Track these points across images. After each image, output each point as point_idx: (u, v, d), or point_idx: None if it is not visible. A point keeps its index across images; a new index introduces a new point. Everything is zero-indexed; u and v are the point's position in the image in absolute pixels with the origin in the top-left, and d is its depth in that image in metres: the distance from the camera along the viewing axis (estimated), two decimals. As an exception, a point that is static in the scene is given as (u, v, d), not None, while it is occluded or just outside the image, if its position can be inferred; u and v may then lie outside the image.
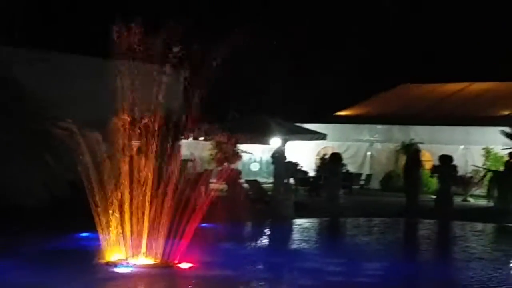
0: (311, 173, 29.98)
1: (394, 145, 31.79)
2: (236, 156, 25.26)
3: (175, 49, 11.18)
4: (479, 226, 19.69)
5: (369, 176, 31.52)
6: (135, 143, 11.53)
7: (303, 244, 15.57)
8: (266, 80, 36.12)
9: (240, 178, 21.60)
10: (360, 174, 31.23)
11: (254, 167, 33.31)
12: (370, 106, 37.45)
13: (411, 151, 24.49)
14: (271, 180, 23.61)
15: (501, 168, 25.27)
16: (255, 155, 32.18)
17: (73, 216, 13.06)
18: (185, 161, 14.27)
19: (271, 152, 23.92)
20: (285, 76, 38.31)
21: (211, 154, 26.42)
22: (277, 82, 37.22)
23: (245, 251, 13.86)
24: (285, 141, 27.18)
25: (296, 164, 27.29)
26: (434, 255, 15.23)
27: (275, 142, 27.84)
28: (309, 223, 19.26)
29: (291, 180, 23.53)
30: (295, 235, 17.08)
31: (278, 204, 19.99)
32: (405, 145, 25.73)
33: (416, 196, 22.10)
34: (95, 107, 11.45)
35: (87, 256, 11.64)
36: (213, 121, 24.48)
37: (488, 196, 24.90)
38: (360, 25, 46.71)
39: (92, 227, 11.65)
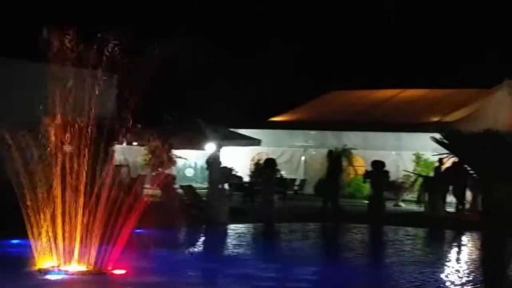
0: (246, 179, 30.04)
1: (327, 151, 32.08)
2: (171, 161, 25.09)
3: (109, 54, 11.08)
4: (410, 230, 20.02)
5: (303, 181, 31.76)
6: (68, 148, 11.35)
7: (238, 249, 15.58)
8: (201, 85, 36.08)
9: (174, 184, 21.49)
10: (294, 180, 31.43)
11: (189, 172, 33.20)
12: (304, 112, 37.76)
13: (333, 157, 24.74)
14: (205, 185, 23.55)
15: (431, 174, 25.83)
16: (189, 161, 32.06)
17: (3, 222, 12.75)
18: (119, 166, 14.12)
19: (206, 158, 23.88)
20: (220, 81, 38.34)
21: (145, 160, 26.17)
22: (212, 87, 37.21)
23: (179, 257, 13.79)
24: (219, 147, 27.13)
25: (231, 170, 27.32)
26: (367, 260, 15.42)
27: (210, 147, 27.78)
28: (243, 229, 19.28)
29: (226, 186, 23.50)
30: (230, 241, 17.07)
31: (212, 209, 19.95)
32: (329, 151, 25.97)
33: (337, 200, 22.53)
34: (28, 111, 11.22)
35: (18, 263, 11.41)
36: (148, 126, 24.33)
37: (418, 201, 25.36)
38: (293, 31, 47.14)
39: (23, 234, 11.41)
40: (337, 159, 24.40)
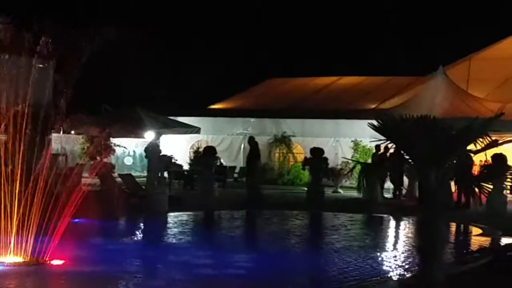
0: (186, 167, 29.97)
1: (267, 138, 32.29)
2: (109, 149, 24.85)
3: (44, 43, 10.89)
4: (349, 217, 20.24)
5: (243, 169, 31.80)
6: (2, 137, 11.14)
7: (177, 238, 15.53)
8: (140, 73, 35.83)
9: (113, 172, 21.29)
10: (234, 167, 31.49)
11: (128, 161, 32.94)
12: (243, 100, 37.82)
13: (251, 143, 24.73)
14: (145, 174, 23.41)
15: (369, 160, 26.17)
16: (128, 149, 31.81)
17: None
18: (56, 155, 13.91)
19: (145, 146, 23.72)
20: (159, 70, 38.10)
21: (83, 148, 25.87)
22: (151, 76, 36.97)
23: (118, 246, 13.67)
24: (159, 135, 27.02)
25: (170, 158, 27.17)
26: (305, 246, 15.54)
27: (149, 135, 27.62)
28: (183, 217, 19.23)
29: (166, 174, 23.38)
30: (169, 229, 17.00)
31: (152, 198, 19.84)
32: (250, 137, 25.87)
33: (256, 186, 22.60)
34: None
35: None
36: (85, 114, 24.05)
37: (357, 188, 25.63)
38: (233, 19, 47.10)
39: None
40: (255, 145, 24.38)
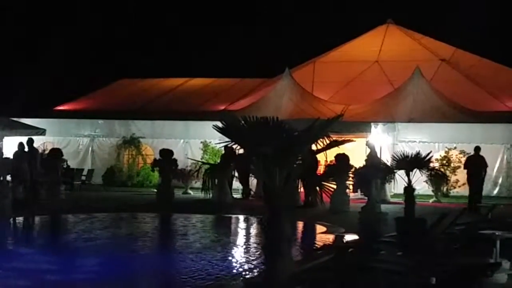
0: (30, 170, 28.99)
1: (115, 140, 31.93)
2: None
3: None
4: (198, 217, 20.34)
5: (91, 171, 31.23)
6: None
7: (20, 243, 15.05)
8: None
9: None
10: (82, 170, 30.83)
11: (-33, 165, 31.48)
12: (91, 101, 37.19)
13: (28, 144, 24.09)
14: (-14, 178, 22.45)
15: (218, 161, 26.43)
16: (-32, 153, 30.42)
17: None
18: None
19: (-14, 149, 22.79)
20: (2, 70, 36.76)
21: None
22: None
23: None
24: (1, 137, 26.00)
25: (13, 161, 26.19)
26: (155, 248, 15.49)
27: (-10, 138, 26.53)
28: (28, 221, 18.63)
29: (9, 178, 22.53)
30: (13, 235, 16.44)
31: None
32: (29, 138, 25.22)
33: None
34: None
35: None
36: None
37: (203, 189, 25.78)
38: (78, 18, 46.27)
39: None
40: (24, 148, 23.79)
